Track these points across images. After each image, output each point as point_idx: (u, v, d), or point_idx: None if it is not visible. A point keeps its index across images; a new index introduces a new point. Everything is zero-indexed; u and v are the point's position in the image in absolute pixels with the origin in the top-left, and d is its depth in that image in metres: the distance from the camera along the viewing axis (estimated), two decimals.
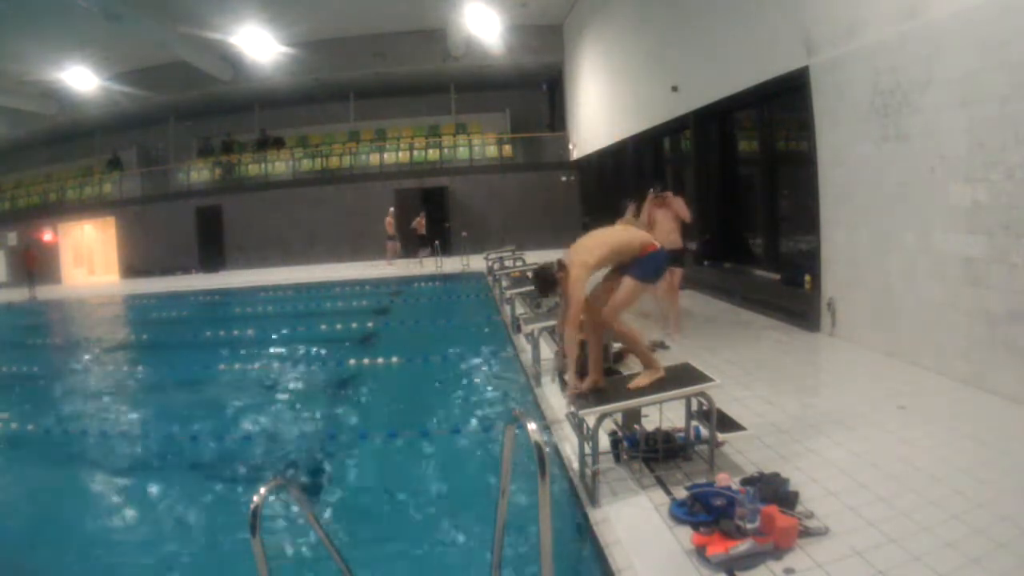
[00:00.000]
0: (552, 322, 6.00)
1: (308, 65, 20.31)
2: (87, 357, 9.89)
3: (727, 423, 4.09)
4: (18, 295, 18.17)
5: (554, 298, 5.89)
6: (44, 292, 18.29)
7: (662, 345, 6.53)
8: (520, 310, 8.35)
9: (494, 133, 22.89)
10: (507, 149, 22.31)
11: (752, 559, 2.86)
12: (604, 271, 4.23)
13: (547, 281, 4.10)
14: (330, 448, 5.37)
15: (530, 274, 6.86)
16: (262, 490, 2.37)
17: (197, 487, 4.84)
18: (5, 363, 9.81)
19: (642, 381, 3.94)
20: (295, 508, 3.82)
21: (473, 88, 23.44)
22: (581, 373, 4.08)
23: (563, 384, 4.86)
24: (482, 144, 22.25)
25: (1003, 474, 3.47)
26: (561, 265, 4.02)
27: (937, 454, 3.78)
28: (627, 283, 4.04)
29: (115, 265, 22.19)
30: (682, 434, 4.05)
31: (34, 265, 18.78)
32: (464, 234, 17.49)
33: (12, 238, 22.61)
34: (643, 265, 4.05)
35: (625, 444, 3.99)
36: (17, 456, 5.90)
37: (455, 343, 8.48)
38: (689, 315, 8.66)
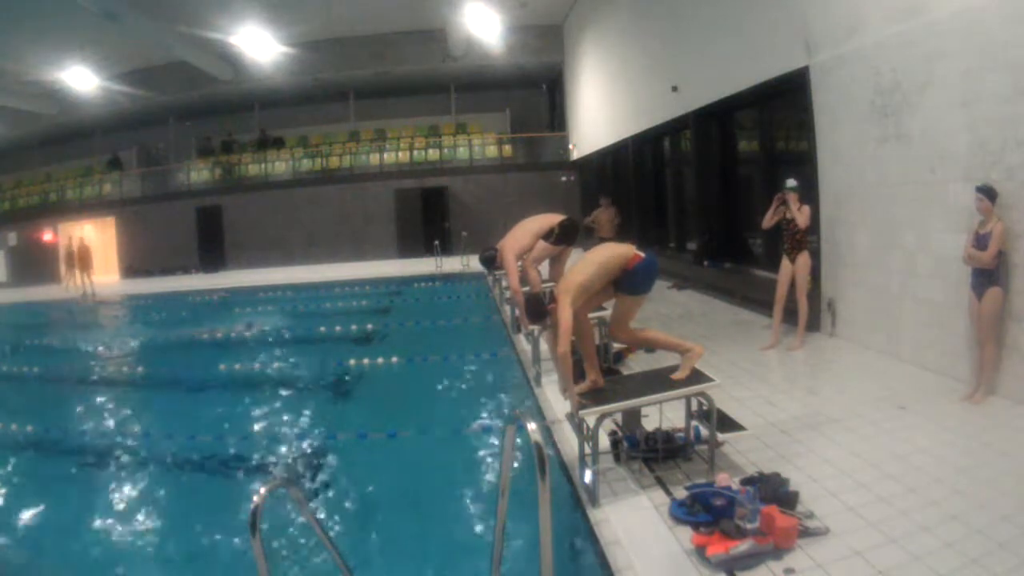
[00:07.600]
0: None
1: (308, 65, 20.29)
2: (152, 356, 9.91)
3: (727, 423, 4.10)
4: (65, 294, 17.26)
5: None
6: (49, 292, 18.14)
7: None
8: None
9: (494, 133, 22.87)
10: (507, 149, 22.28)
11: (752, 559, 2.87)
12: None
13: (538, 312, 4.13)
14: (330, 448, 5.36)
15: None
16: (262, 490, 2.37)
17: (197, 487, 4.84)
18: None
19: (684, 372, 3.95)
20: (295, 508, 3.82)
21: (473, 88, 23.43)
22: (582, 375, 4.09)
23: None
24: (482, 144, 22.23)
25: (1003, 474, 3.48)
26: (553, 297, 4.05)
27: (937, 454, 3.78)
28: (623, 300, 4.16)
29: (115, 265, 22.16)
30: (682, 434, 4.06)
31: (86, 260, 17.41)
32: (464, 234, 17.47)
33: (12, 238, 22.54)
34: (633, 278, 4.10)
35: (625, 444, 4.00)
36: (20, 456, 5.90)
37: (455, 343, 8.46)
38: (689, 315, 8.66)
